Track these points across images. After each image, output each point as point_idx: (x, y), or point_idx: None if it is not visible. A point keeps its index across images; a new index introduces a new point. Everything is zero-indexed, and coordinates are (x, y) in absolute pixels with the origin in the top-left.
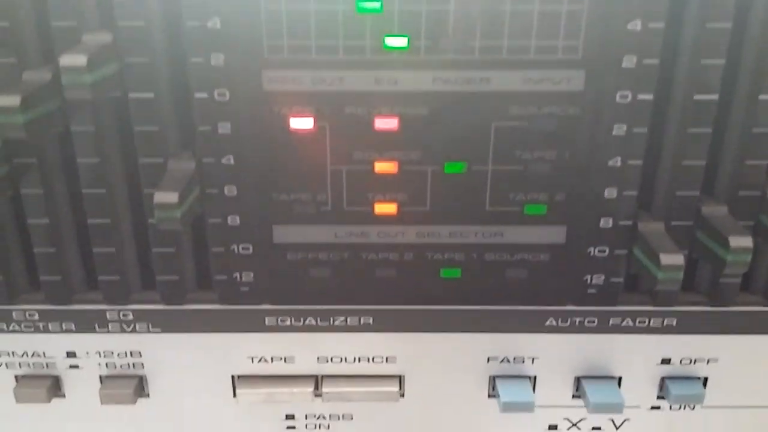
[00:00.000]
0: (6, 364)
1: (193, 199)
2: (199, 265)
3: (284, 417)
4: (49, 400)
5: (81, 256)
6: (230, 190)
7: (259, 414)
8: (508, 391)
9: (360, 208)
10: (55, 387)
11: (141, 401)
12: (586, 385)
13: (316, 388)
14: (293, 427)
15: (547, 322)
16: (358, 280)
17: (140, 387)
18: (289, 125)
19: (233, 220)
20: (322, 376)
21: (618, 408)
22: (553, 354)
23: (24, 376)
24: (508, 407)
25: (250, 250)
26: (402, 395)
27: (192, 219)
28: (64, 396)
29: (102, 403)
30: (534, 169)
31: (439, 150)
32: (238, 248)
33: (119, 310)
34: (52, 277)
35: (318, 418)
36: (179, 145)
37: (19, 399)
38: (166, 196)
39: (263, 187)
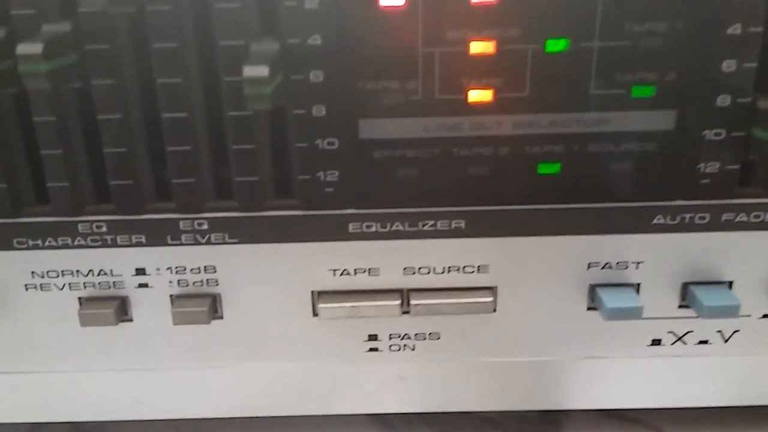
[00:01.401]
0: (69, 285)
1: (278, 84)
2: (278, 168)
3: (366, 337)
4: (116, 323)
5: (152, 158)
6: (316, 76)
7: (340, 334)
8: (613, 297)
9: (453, 97)
10: (121, 309)
11: (214, 323)
12: (696, 291)
13: (403, 303)
14: (375, 349)
15: (654, 220)
16: (449, 179)
17: (214, 306)
18: (378, 2)
19: (318, 110)
20: (409, 290)
21: (734, 311)
22: (660, 257)
23: (88, 298)
24: (614, 314)
25: (336, 145)
26: (494, 309)
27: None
28: (131, 319)
29: (174, 324)
30: (643, 44)
31: (541, 25)
32: (323, 143)
33: (194, 219)
34: (122, 182)
35: (403, 338)
36: (261, 28)
37: (84, 322)
38: (256, 70)
39: (349, 73)
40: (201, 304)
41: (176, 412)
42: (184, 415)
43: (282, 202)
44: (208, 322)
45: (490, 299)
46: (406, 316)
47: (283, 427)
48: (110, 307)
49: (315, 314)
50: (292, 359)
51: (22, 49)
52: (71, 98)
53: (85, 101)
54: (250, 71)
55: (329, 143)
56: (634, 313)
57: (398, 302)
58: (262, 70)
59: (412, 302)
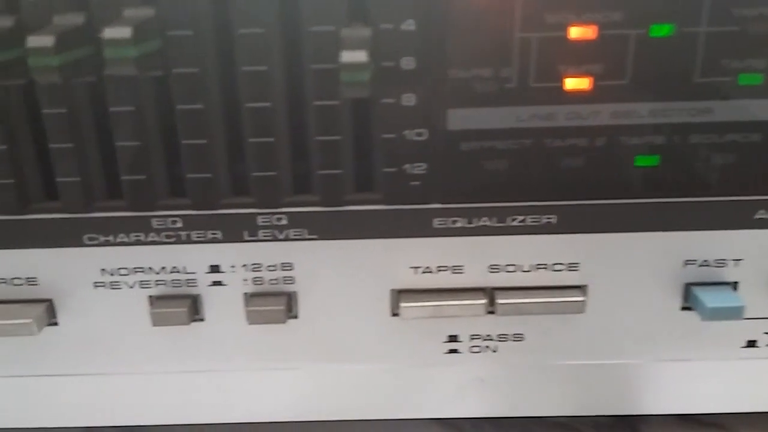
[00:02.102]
0: (140, 283)
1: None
2: (360, 161)
3: (446, 338)
4: (189, 322)
5: (230, 151)
6: (408, 63)
7: (419, 335)
8: (713, 297)
9: (548, 85)
10: (193, 308)
11: (289, 322)
12: None
13: (488, 303)
14: (455, 350)
15: (757, 215)
16: (541, 172)
17: (290, 305)
18: None
19: (408, 99)
20: (494, 289)
21: None
22: (760, 254)
23: (159, 297)
24: (715, 314)
25: (425, 137)
26: (584, 309)
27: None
28: (202, 319)
29: (250, 323)
30: (753, 30)
31: (645, 9)
32: (411, 134)
33: (273, 214)
34: (199, 175)
35: (485, 339)
36: (350, 13)
37: (156, 321)
38: (354, 55)
39: (442, 61)
40: (277, 303)
41: (241, 415)
42: (249, 419)
43: (364, 196)
44: (284, 322)
45: (581, 299)
46: (489, 316)
47: (348, 431)
48: (183, 305)
49: (394, 314)
50: (368, 361)
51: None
52: (149, 88)
53: (162, 91)
54: (348, 56)
55: (418, 134)
56: (735, 313)
57: (484, 301)
58: (360, 56)
59: (499, 301)
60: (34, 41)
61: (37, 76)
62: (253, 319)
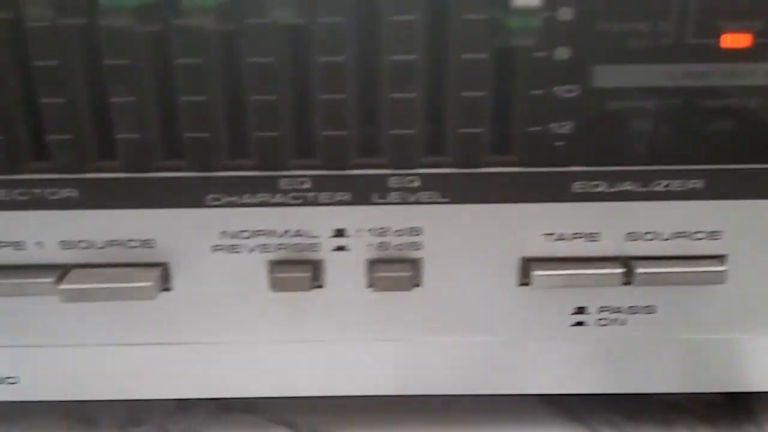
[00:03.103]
0: (261, 247)
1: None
2: (499, 120)
3: (573, 310)
4: (310, 288)
5: (364, 107)
6: (565, 14)
7: (545, 306)
8: None
9: (705, 41)
10: (314, 274)
11: (412, 291)
12: None
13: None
14: (581, 323)
15: None
16: (690, 134)
17: (416, 272)
18: None
19: (561, 53)
20: (629, 258)
21: None
22: None
23: (278, 262)
24: None
25: (574, 93)
26: (724, 280)
27: None
28: (321, 285)
29: (375, 290)
30: None
31: None
32: (561, 90)
33: (405, 175)
34: (332, 132)
35: (614, 311)
36: None
37: (277, 287)
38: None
39: (598, 12)
40: (403, 269)
41: (347, 388)
42: (355, 392)
43: (501, 157)
44: (410, 289)
45: (722, 268)
46: (620, 287)
47: (456, 405)
48: (306, 270)
49: (521, 284)
50: (488, 333)
51: None
52: (281, 40)
53: (298, 44)
54: (521, 1)
55: (568, 91)
56: None
57: (622, 270)
58: (533, 0)
59: (637, 271)
60: None
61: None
62: (379, 286)
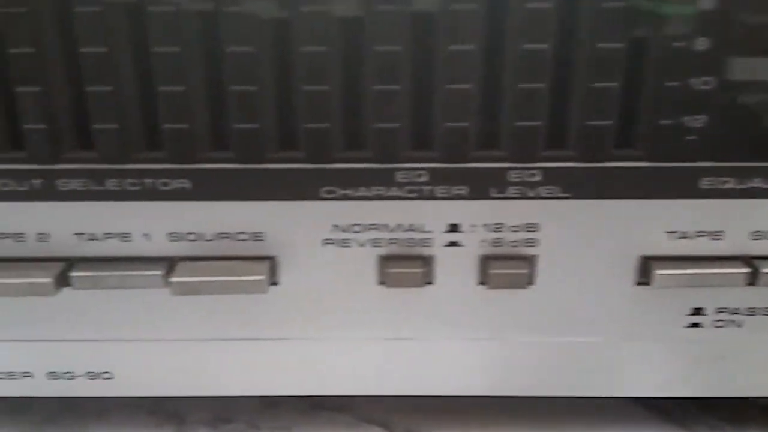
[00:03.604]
0: (372, 241)
1: None
2: (627, 112)
3: (690, 311)
4: (422, 285)
5: (484, 98)
6: (707, 2)
7: (662, 307)
8: None
9: None
10: (426, 270)
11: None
12: None
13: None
14: (697, 324)
15: None
16: None
17: (531, 269)
18: None
19: (700, 44)
20: (752, 257)
21: None
22: None
23: (388, 257)
24: None
25: (710, 85)
26: None
27: None
28: (430, 282)
29: (489, 287)
30: None
31: None
32: (697, 83)
33: (526, 169)
34: (453, 124)
35: (732, 312)
36: None
37: (388, 282)
38: None
39: (734, 2)
40: (519, 266)
41: (440, 388)
42: (447, 392)
43: (626, 152)
44: (525, 287)
45: None
46: (740, 287)
47: (547, 407)
48: (419, 266)
49: (638, 282)
50: (597, 333)
51: None
52: (407, 29)
53: (424, 30)
54: None
55: (704, 83)
56: None
57: (747, 270)
58: None
59: (763, 271)
60: None
61: None
62: (495, 283)
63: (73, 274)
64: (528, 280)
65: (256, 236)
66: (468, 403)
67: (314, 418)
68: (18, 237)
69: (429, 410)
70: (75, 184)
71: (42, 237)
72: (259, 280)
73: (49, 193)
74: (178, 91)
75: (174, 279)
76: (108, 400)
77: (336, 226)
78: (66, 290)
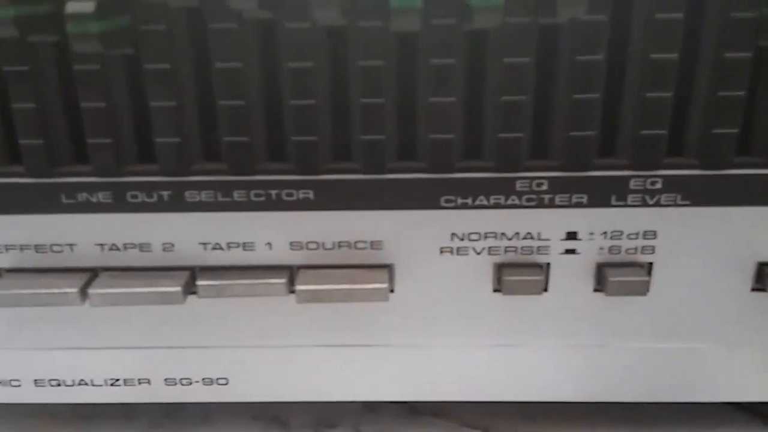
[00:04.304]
0: (489, 249)
1: None
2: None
3: None
4: (541, 292)
5: (605, 106)
6: None
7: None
8: None
9: None
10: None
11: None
12: None
13: None
14: None
15: None
16: None
17: (647, 277)
18: None
19: None
20: None
21: None
22: None
23: (506, 264)
24: None
25: None
26: None
27: None
28: (545, 289)
29: (608, 294)
30: None
31: None
32: None
33: (647, 177)
34: (574, 133)
35: None
36: None
37: (507, 290)
38: None
39: None
40: (636, 274)
41: (543, 394)
42: (549, 398)
43: (746, 159)
44: (645, 294)
45: None
46: None
47: (644, 411)
48: (537, 273)
49: (754, 288)
50: (707, 339)
51: None
52: (532, 40)
53: (550, 42)
54: None
55: None
56: None
57: None
58: None
59: None
60: None
61: None
62: (612, 290)
63: (200, 283)
64: (644, 288)
65: (375, 245)
66: (567, 408)
67: (414, 423)
68: (144, 247)
69: (527, 415)
70: (202, 196)
71: (167, 247)
72: (381, 288)
73: (177, 204)
74: (306, 105)
75: (299, 287)
76: (209, 406)
77: (454, 234)
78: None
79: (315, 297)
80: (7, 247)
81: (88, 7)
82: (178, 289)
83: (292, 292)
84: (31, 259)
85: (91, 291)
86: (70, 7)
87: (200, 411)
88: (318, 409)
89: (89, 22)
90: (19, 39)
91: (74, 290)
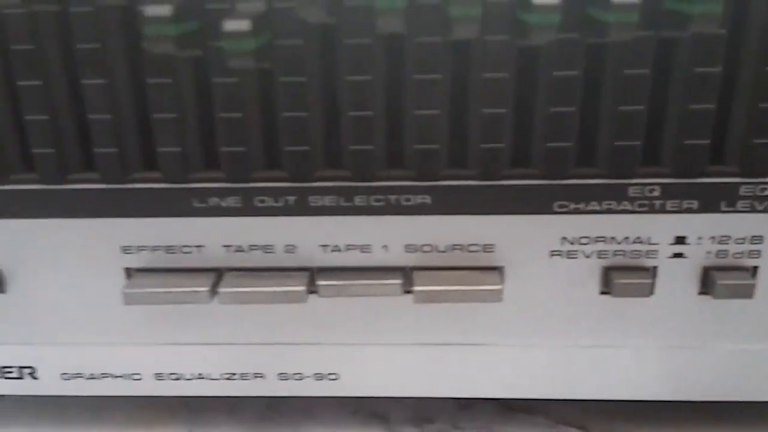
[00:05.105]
0: (598, 253)
1: None
2: None
3: None
4: (650, 294)
5: (718, 114)
6: None
7: None
8: None
9: None
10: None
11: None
12: None
13: None
14: None
15: None
16: None
17: (754, 280)
18: None
19: None
20: None
21: None
22: None
23: (614, 267)
24: None
25: None
26: None
27: None
28: (652, 292)
29: (715, 297)
30: None
31: None
32: None
33: (758, 183)
34: (687, 141)
35: None
36: None
37: (616, 292)
38: None
39: None
40: (743, 277)
41: (639, 393)
42: (646, 396)
43: None
44: (751, 297)
45: None
46: None
47: (735, 412)
48: (646, 276)
49: None
50: None
51: None
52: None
53: (669, 56)
54: None
55: None
56: None
57: None
58: None
59: None
60: None
61: None
62: (721, 293)
63: (320, 283)
64: (750, 291)
65: (487, 248)
66: (663, 407)
67: (510, 420)
68: (267, 249)
69: (623, 413)
70: (326, 200)
71: (289, 249)
72: (496, 290)
73: (301, 208)
74: (429, 115)
75: (417, 288)
76: (309, 400)
77: (564, 238)
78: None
79: (432, 297)
80: (140, 248)
81: (244, 25)
82: (303, 288)
83: (407, 292)
84: (159, 260)
85: (220, 290)
86: (228, 26)
87: (302, 405)
88: (412, 404)
89: (246, 38)
90: (168, 57)
91: (205, 289)
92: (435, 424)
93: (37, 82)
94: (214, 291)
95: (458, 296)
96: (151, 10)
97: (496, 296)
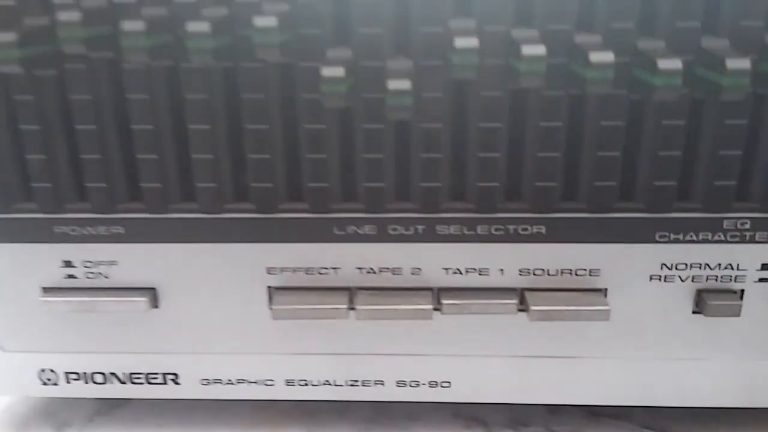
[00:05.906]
0: (693, 277)
1: None
2: None
3: None
4: (740, 314)
5: None
6: None
7: None
8: None
9: None
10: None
11: None
12: None
13: None
14: None
15: None
16: None
17: None
18: None
19: None
20: None
21: None
22: None
23: (705, 290)
24: None
25: None
26: None
27: None
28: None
29: None
30: None
31: None
32: None
33: None
34: None
35: None
36: None
37: (709, 313)
38: None
39: None
40: None
41: (719, 400)
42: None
43: None
44: None
45: None
46: None
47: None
48: (736, 299)
49: None
50: None
51: None
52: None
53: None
54: None
55: None
56: None
57: None
58: None
59: None
60: None
61: None
62: None
63: (445, 302)
64: None
65: (593, 272)
66: (743, 414)
67: (599, 424)
68: (396, 271)
69: (704, 419)
70: (451, 229)
71: (415, 271)
72: (604, 310)
73: (428, 236)
74: (547, 157)
75: (533, 308)
76: (412, 404)
77: (663, 264)
78: None
79: (548, 316)
80: (282, 269)
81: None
82: (430, 307)
83: (520, 310)
84: (297, 280)
85: (358, 307)
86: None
87: (405, 409)
88: (505, 409)
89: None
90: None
91: (344, 306)
92: (530, 427)
93: (205, 126)
94: (351, 308)
95: (570, 315)
96: None
97: (604, 316)
